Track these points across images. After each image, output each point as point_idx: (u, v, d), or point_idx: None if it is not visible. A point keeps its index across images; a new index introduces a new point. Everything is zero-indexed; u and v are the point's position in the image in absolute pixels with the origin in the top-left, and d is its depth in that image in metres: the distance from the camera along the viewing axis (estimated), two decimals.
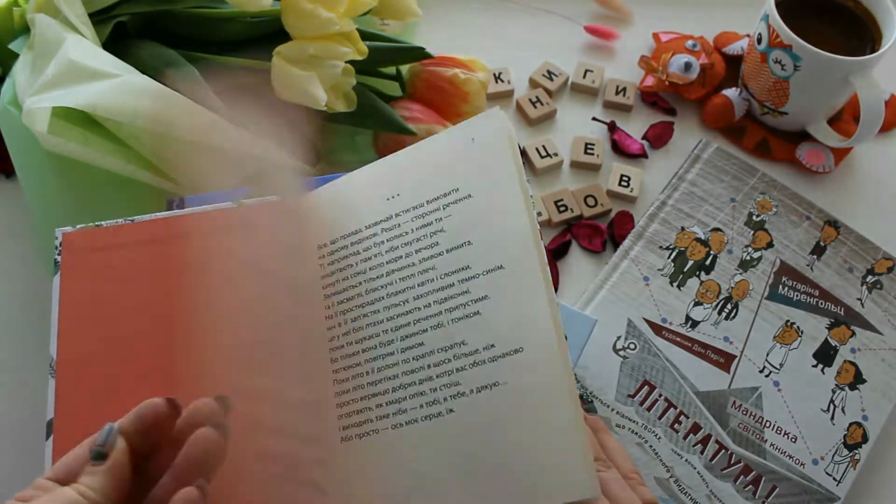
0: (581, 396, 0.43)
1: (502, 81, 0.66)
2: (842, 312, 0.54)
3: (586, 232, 0.59)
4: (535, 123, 0.65)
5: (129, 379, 0.38)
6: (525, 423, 0.33)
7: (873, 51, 0.58)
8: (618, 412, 0.50)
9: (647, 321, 0.53)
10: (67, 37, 0.46)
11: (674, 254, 0.56)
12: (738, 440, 0.49)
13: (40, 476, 0.30)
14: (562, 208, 0.59)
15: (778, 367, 0.52)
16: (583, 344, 0.46)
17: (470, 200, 0.38)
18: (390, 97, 0.57)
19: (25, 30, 0.54)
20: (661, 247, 0.56)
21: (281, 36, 0.49)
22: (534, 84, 0.67)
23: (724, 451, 0.49)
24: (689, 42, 0.66)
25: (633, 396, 0.50)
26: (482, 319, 0.35)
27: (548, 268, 0.36)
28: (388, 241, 0.39)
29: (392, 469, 0.34)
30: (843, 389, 0.51)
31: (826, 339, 0.53)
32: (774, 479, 0.48)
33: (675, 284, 0.54)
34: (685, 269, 0.55)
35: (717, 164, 0.59)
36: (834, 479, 0.49)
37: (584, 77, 0.67)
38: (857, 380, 0.52)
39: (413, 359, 0.36)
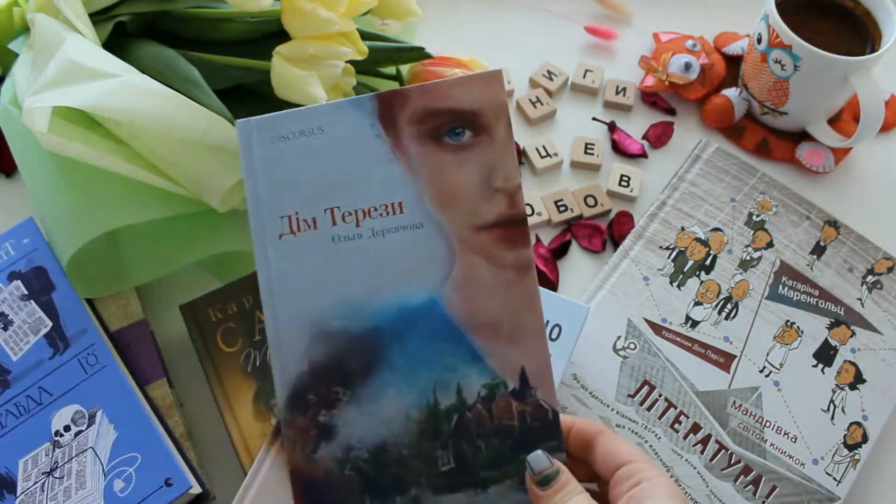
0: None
1: None
2: (842, 312, 0.54)
3: (586, 232, 0.59)
4: (535, 123, 0.65)
5: None
6: None
7: (873, 51, 0.58)
8: (618, 412, 0.50)
9: (647, 321, 0.53)
10: (67, 37, 0.46)
11: (674, 254, 0.56)
12: (738, 440, 0.49)
13: None
14: (562, 208, 0.59)
15: (778, 367, 0.52)
16: (577, 333, 0.46)
17: None
18: None
19: (25, 30, 0.54)
20: (661, 247, 0.56)
21: (281, 36, 0.49)
22: (534, 84, 0.67)
23: (724, 451, 0.49)
24: (689, 42, 0.66)
25: (633, 396, 0.50)
26: None
27: None
28: None
29: None
30: (843, 389, 0.51)
31: (826, 339, 0.53)
32: (774, 479, 0.48)
33: (675, 284, 0.54)
34: (685, 269, 0.55)
35: (717, 164, 0.59)
36: (834, 479, 0.49)
37: (584, 77, 0.67)
38: (857, 380, 0.52)
39: None
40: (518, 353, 0.37)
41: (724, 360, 0.52)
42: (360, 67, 0.53)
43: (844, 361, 0.52)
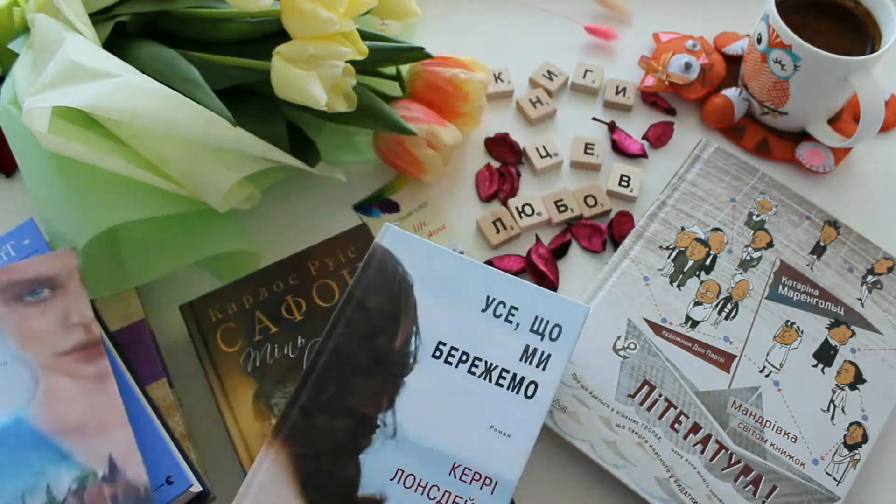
0: None
1: (502, 81, 0.66)
2: (842, 312, 0.54)
3: (586, 232, 0.59)
4: (535, 123, 0.65)
5: None
6: None
7: (873, 51, 0.58)
8: (618, 412, 0.50)
9: (647, 321, 0.53)
10: (67, 37, 0.46)
11: (674, 254, 0.56)
12: (738, 440, 0.49)
13: None
14: (562, 208, 0.59)
15: (778, 366, 0.52)
16: (577, 333, 0.46)
17: None
18: (390, 97, 0.57)
19: (25, 30, 0.54)
20: (661, 247, 0.56)
21: (281, 36, 0.49)
22: (534, 84, 0.67)
23: (724, 451, 0.49)
24: (689, 42, 0.66)
25: (633, 396, 0.50)
26: None
27: None
28: None
29: None
30: (843, 389, 0.51)
31: (826, 339, 0.53)
32: (774, 479, 0.48)
33: (675, 284, 0.54)
34: (685, 269, 0.55)
35: (717, 164, 0.59)
36: (834, 479, 0.49)
37: (584, 77, 0.67)
38: (857, 380, 0.52)
39: None
40: (105, 443, 0.43)
41: (724, 360, 0.52)
42: (360, 67, 0.53)
43: (844, 361, 0.52)
